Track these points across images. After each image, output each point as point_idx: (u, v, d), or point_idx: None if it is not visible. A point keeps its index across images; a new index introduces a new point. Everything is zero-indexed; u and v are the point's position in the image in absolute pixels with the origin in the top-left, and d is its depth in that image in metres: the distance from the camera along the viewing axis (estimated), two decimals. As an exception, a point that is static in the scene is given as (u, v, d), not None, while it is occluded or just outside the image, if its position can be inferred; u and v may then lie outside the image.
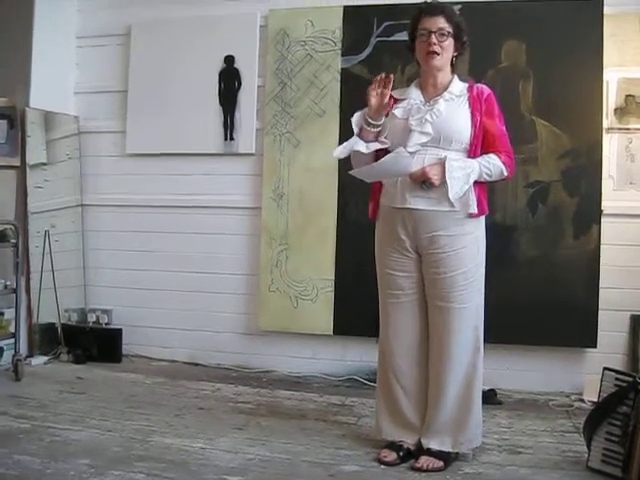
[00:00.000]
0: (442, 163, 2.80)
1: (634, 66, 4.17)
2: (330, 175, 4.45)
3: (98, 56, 5.08)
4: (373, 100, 2.88)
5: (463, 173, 2.80)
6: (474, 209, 2.88)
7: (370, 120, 2.90)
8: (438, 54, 2.87)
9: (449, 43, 2.90)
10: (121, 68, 5.03)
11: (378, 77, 2.89)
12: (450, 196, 2.78)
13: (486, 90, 2.97)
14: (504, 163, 2.91)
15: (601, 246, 4.11)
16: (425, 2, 2.99)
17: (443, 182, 2.78)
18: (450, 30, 2.88)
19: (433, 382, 2.96)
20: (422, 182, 2.80)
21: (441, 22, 2.87)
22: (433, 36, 2.85)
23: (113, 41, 5.05)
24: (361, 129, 2.94)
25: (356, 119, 2.97)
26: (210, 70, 4.79)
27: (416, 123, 2.87)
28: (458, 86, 2.96)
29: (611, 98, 4.18)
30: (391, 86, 2.87)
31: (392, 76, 2.87)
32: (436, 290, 2.93)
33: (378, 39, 4.42)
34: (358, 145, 2.91)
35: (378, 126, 2.92)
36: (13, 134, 4.75)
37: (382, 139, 2.93)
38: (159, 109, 4.86)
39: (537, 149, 4.20)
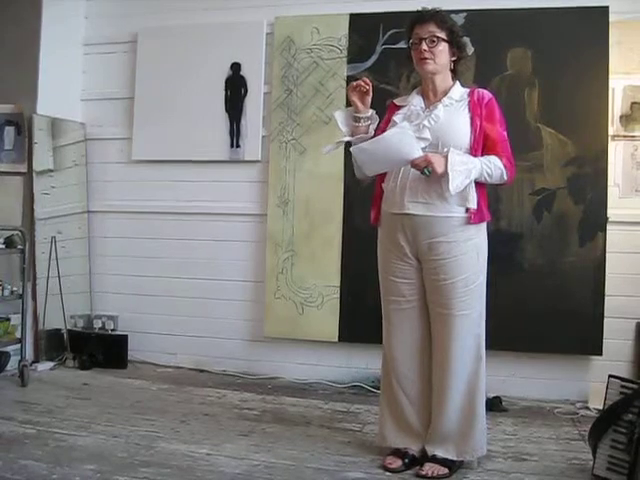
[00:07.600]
0: (445, 156, 2.77)
1: (640, 73, 4.18)
2: (336, 182, 4.47)
3: (105, 63, 5.11)
4: (355, 97, 2.94)
5: (465, 167, 2.77)
6: (473, 204, 2.84)
7: (358, 115, 2.95)
8: (429, 59, 2.89)
9: (442, 48, 2.90)
10: (128, 75, 5.06)
11: (354, 84, 2.95)
12: (451, 189, 2.73)
13: (487, 95, 2.96)
14: (504, 166, 2.88)
15: (606, 254, 4.11)
16: (418, 10, 3.00)
17: (445, 172, 2.74)
18: (441, 35, 2.88)
19: (435, 390, 2.95)
20: (424, 167, 2.75)
21: (432, 28, 2.88)
22: (424, 42, 2.87)
23: (120, 48, 5.09)
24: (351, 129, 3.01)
25: (342, 119, 3.01)
26: (216, 77, 4.81)
27: (414, 129, 2.87)
28: (459, 91, 2.96)
29: (617, 105, 4.19)
30: (369, 86, 2.93)
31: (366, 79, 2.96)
32: (436, 297, 2.92)
33: (384, 46, 4.44)
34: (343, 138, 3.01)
35: (368, 118, 2.97)
36: (20, 141, 4.78)
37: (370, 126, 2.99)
38: (165, 116, 4.88)
39: (542, 156, 4.20)
